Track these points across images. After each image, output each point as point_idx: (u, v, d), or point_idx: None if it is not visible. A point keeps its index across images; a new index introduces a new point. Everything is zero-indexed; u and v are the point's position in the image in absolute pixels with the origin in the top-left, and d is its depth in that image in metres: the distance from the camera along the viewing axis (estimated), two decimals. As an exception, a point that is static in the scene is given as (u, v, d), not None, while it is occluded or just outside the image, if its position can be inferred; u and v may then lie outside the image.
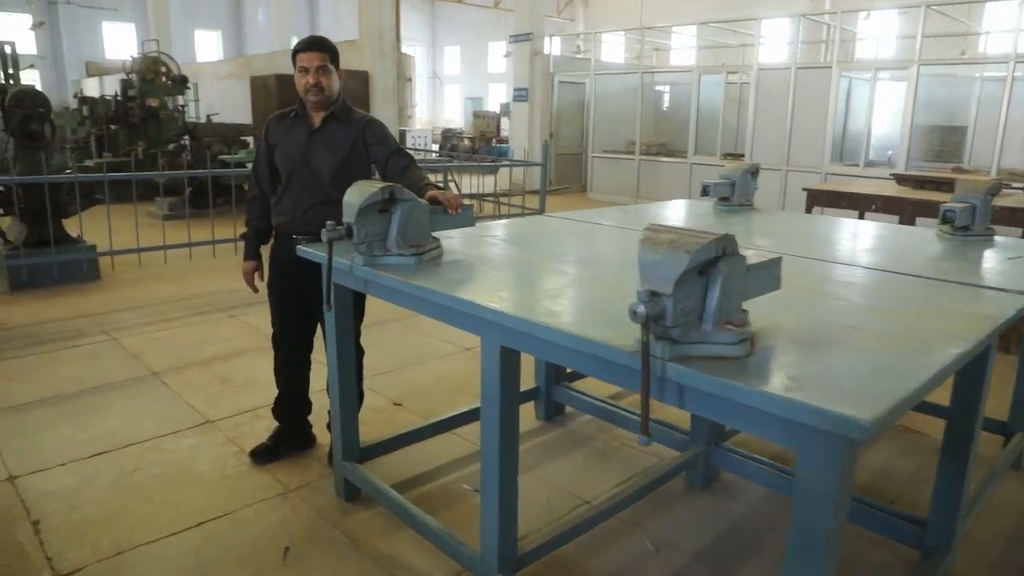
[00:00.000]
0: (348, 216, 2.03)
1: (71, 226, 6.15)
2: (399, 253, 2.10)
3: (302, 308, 2.85)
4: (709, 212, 3.65)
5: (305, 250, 2.37)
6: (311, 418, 3.10)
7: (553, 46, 13.08)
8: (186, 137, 10.06)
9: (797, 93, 9.65)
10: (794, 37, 10.11)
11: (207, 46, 24.93)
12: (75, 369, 4.01)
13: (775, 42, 14.83)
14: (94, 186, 6.19)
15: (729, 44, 15.66)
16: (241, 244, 3.06)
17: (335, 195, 2.56)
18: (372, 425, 3.22)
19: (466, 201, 2.37)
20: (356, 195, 2.04)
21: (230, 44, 25.27)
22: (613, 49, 16.69)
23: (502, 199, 8.79)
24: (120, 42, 22.61)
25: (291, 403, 3.01)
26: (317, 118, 2.75)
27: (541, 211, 8.11)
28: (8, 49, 11.18)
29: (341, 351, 2.41)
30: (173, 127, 10.67)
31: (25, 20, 21.47)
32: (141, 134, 11.40)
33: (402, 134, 12.51)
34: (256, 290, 3.00)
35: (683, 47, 21.54)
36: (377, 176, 2.85)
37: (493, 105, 24.47)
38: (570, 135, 13.02)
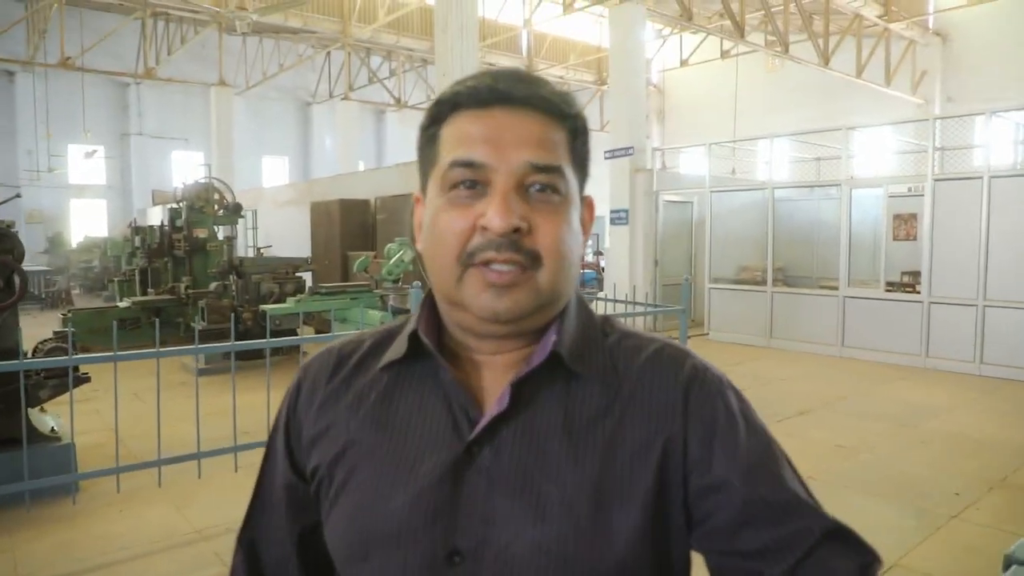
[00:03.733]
0: None
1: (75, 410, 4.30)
2: None
3: None
4: None
5: None
6: None
7: (654, 161, 11.38)
8: (232, 275, 8.45)
9: (993, 207, 7.50)
10: (994, 137, 8.04)
11: (275, 172, 24.54)
12: None
13: (871, 153, 12.83)
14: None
15: (825, 156, 13.84)
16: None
17: None
18: None
19: None
20: None
21: (297, 170, 24.85)
22: (685, 164, 15.02)
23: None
24: (188, 170, 22.32)
25: None
26: (495, 371, 0.77)
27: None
28: None
29: None
30: (219, 261, 9.14)
31: (96, 151, 21.38)
32: (186, 268, 9.97)
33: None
34: None
35: (767, 161, 19.87)
36: None
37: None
38: (673, 261, 11.08)
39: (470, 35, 8.43)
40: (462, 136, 0.72)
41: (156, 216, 17.94)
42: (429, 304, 0.81)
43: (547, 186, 0.72)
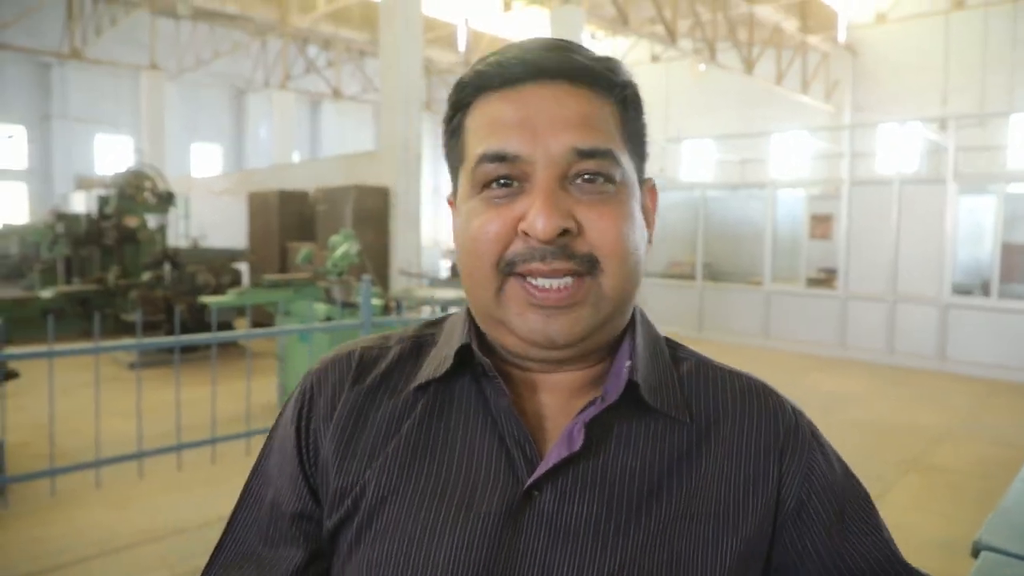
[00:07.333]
0: None
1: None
2: None
3: None
4: None
5: None
6: None
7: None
8: (166, 265, 8.29)
9: (903, 210, 8.07)
10: (905, 150, 8.62)
11: (206, 160, 23.88)
12: None
13: (790, 156, 13.63)
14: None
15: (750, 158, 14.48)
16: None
17: None
18: None
19: None
20: None
21: (230, 159, 24.25)
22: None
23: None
24: (115, 155, 21.46)
25: None
26: (554, 394, 0.67)
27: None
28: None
29: None
30: (152, 251, 8.95)
31: (17, 131, 20.34)
32: (116, 258, 9.71)
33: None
34: None
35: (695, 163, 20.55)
36: None
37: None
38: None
39: (414, 29, 8.50)
40: (490, 123, 0.61)
41: (80, 202, 17.24)
42: (467, 325, 0.69)
43: (597, 174, 0.60)
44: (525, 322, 0.61)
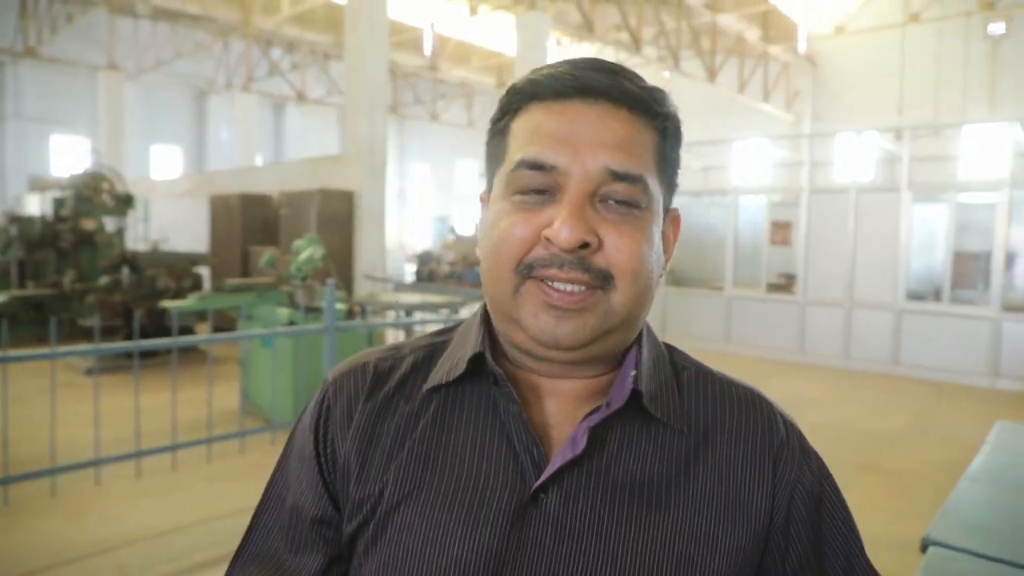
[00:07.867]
0: None
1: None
2: None
3: None
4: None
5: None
6: None
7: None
8: (124, 268, 8.12)
9: (859, 217, 8.28)
10: (860, 159, 8.85)
11: (166, 161, 23.40)
12: None
13: (752, 164, 13.93)
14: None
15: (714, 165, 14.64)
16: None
17: None
18: None
19: None
20: None
21: (191, 161, 23.81)
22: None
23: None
24: (72, 156, 20.90)
25: None
26: (561, 400, 0.69)
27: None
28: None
29: None
30: (110, 254, 8.75)
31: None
32: (72, 261, 9.47)
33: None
34: None
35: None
36: None
37: (460, 225, 23.17)
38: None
39: (380, 32, 8.48)
40: (533, 132, 0.64)
41: (34, 205, 16.76)
42: (486, 320, 0.71)
43: (626, 199, 0.63)
44: (537, 322, 0.63)
